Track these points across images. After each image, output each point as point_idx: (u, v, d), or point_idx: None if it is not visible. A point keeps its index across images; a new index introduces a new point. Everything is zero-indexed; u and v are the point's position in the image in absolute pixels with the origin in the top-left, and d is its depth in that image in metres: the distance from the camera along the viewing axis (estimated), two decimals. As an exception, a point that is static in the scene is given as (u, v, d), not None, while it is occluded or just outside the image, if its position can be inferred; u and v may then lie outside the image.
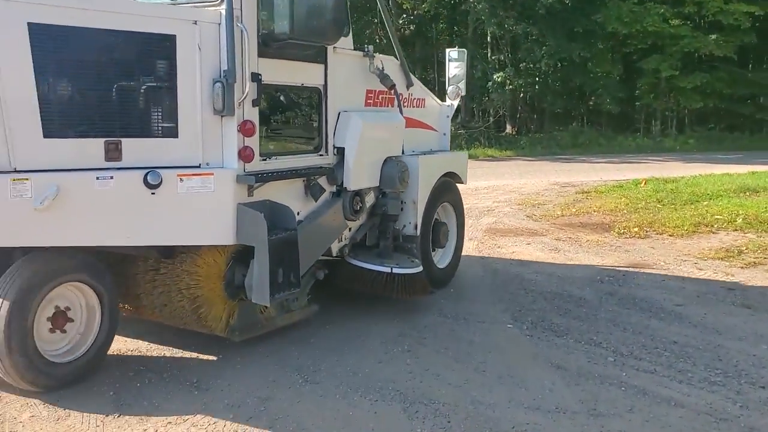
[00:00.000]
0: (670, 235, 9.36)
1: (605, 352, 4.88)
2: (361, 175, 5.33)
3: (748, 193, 12.54)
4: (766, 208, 10.71)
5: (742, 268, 7.52)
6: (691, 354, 4.84)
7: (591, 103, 31.42)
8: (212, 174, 4.22)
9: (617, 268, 7.47)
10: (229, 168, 4.29)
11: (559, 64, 28.50)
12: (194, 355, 4.75)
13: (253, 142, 4.38)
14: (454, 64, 6.98)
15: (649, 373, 4.49)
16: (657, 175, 15.66)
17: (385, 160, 5.62)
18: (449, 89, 7.02)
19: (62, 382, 4.05)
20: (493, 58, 28.57)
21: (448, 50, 7.22)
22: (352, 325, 5.38)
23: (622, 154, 25.22)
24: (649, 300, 6.22)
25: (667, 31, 25.53)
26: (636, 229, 9.67)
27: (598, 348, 4.96)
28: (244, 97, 4.26)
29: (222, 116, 4.24)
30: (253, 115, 4.37)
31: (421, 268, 5.72)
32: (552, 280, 6.92)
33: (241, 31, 4.18)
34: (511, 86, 26.67)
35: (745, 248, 8.36)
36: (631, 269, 7.45)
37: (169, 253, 4.42)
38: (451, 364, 4.63)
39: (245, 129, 4.32)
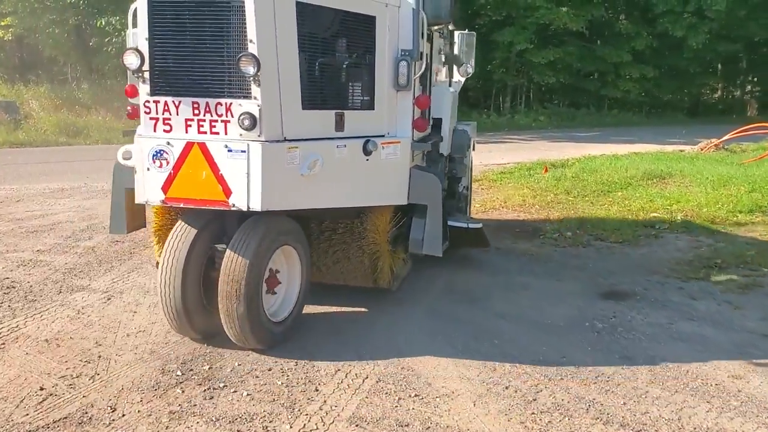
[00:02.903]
0: (613, 242, 7.56)
1: None
2: (449, 142, 5.80)
3: (655, 180, 11.25)
4: (697, 202, 9.34)
5: (740, 293, 5.77)
6: None
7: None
8: (399, 142, 4.72)
9: (594, 303, 5.45)
10: (406, 136, 4.77)
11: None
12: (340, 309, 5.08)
13: (425, 113, 5.08)
14: (464, 44, 6.79)
15: None
16: (536, 158, 14.18)
17: (453, 130, 6.03)
18: (461, 67, 6.82)
19: (279, 340, 4.31)
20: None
21: (457, 33, 6.91)
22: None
23: (481, 132, 23.80)
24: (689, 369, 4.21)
25: (523, 1, 24.44)
26: (569, 234, 7.79)
27: None
28: (420, 73, 4.79)
29: (398, 91, 4.69)
30: (420, 89, 4.97)
31: (481, 224, 5.97)
32: (528, 331, 4.76)
33: (418, 13, 4.64)
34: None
35: (719, 260, 6.69)
36: (611, 303, 5.45)
37: (358, 213, 4.76)
38: None
39: (420, 102, 4.89)
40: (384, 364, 4.18)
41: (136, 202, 4.21)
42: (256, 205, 3.87)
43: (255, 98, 3.77)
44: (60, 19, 23.06)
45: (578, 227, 8.07)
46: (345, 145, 4.34)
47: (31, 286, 5.56)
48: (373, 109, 4.57)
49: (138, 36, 4.16)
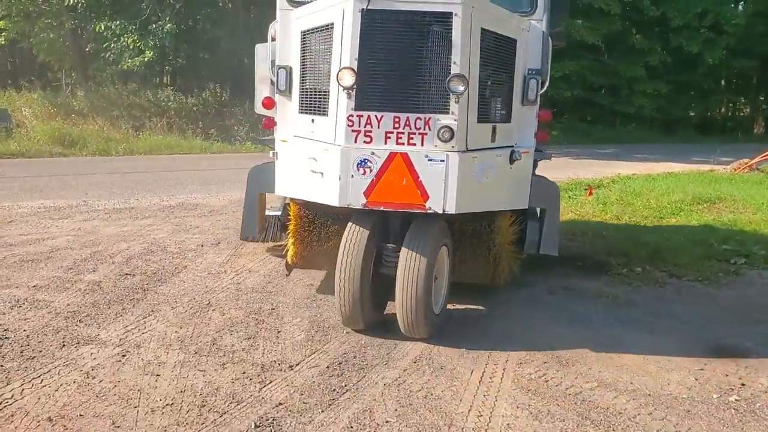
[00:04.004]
0: (692, 280, 6.66)
1: None
2: None
3: (706, 205, 10.39)
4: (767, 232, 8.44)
5: None
6: None
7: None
8: (528, 152, 5.11)
9: (709, 365, 4.53)
10: (530, 146, 5.19)
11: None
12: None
13: (545, 126, 5.51)
14: None
15: None
16: (566, 177, 13.26)
17: None
18: None
19: (434, 332, 4.69)
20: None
21: None
22: None
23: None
24: None
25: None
26: (639, 270, 6.88)
27: None
28: (543, 90, 5.18)
29: (525, 105, 5.09)
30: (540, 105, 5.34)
31: None
32: (649, 408, 3.83)
33: (547, 37, 5.14)
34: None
35: (827, 307, 5.79)
36: (730, 365, 4.54)
37: (487, 216, 5.09)
38: None
39: (541, 115, 5.33)
40: (488, 460, 3.23)
41: (339, 204, 4.44)
42: (451, 209, 4.34)
43: (452, 113, 4.27)
44: (56, 24, 22.08)
45: (647, 261, 7.15)
46: (500, 155, 4.79)
47: (27, 337, 4.58)
48: (510, 122, 4.99)
49: (277, 50, 5.20)
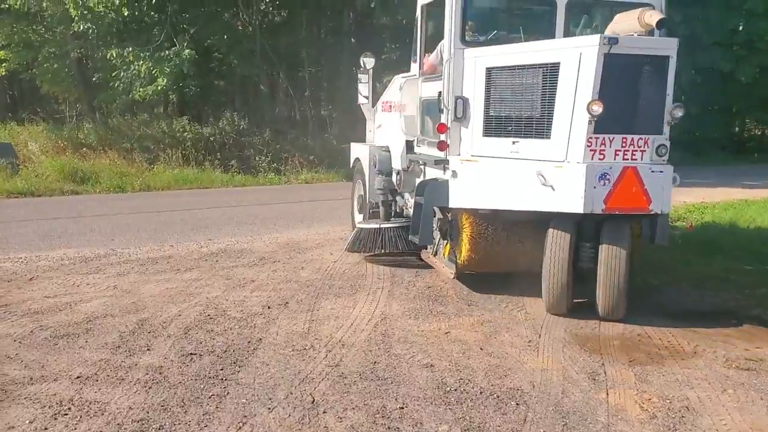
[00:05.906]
0: None
1: None
2: None
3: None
4: None
5: None
6: None
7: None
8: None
9: None
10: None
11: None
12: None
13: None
14: None
15: None
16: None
17: None
18: None
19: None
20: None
21: None
22: None
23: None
24: None
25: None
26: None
27: None
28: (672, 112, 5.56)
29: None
30: None
31: None
32: None
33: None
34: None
35: None
36: None
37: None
38: None
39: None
40: None
41: (583, 211, 5.29)
42: (667, 210, 5.47)
43: (664, 134, 5.41)
44: (60, 53, 20.86)
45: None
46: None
47: (86, 472, 3.24)
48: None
49: (450, 83, 6.14)
